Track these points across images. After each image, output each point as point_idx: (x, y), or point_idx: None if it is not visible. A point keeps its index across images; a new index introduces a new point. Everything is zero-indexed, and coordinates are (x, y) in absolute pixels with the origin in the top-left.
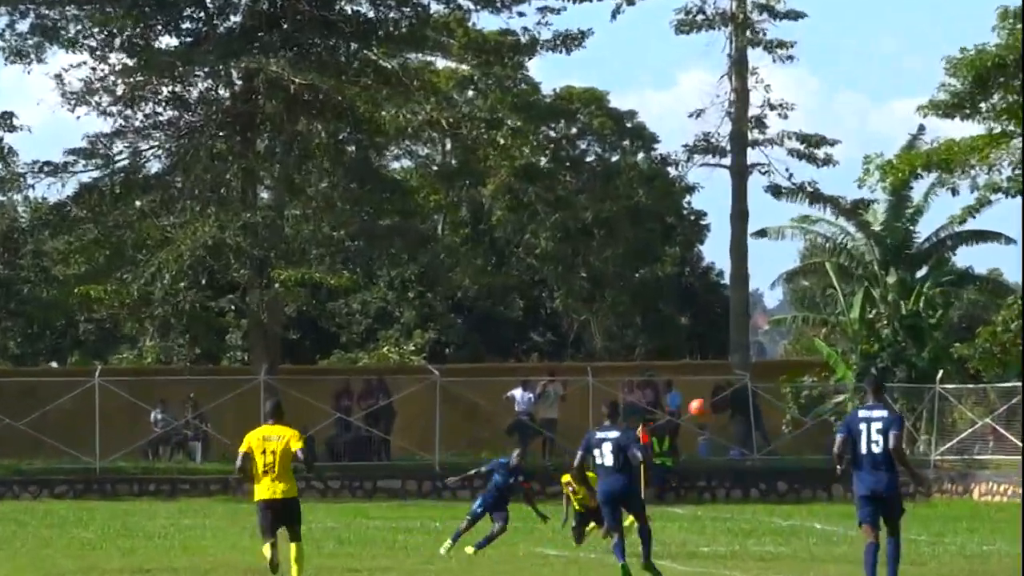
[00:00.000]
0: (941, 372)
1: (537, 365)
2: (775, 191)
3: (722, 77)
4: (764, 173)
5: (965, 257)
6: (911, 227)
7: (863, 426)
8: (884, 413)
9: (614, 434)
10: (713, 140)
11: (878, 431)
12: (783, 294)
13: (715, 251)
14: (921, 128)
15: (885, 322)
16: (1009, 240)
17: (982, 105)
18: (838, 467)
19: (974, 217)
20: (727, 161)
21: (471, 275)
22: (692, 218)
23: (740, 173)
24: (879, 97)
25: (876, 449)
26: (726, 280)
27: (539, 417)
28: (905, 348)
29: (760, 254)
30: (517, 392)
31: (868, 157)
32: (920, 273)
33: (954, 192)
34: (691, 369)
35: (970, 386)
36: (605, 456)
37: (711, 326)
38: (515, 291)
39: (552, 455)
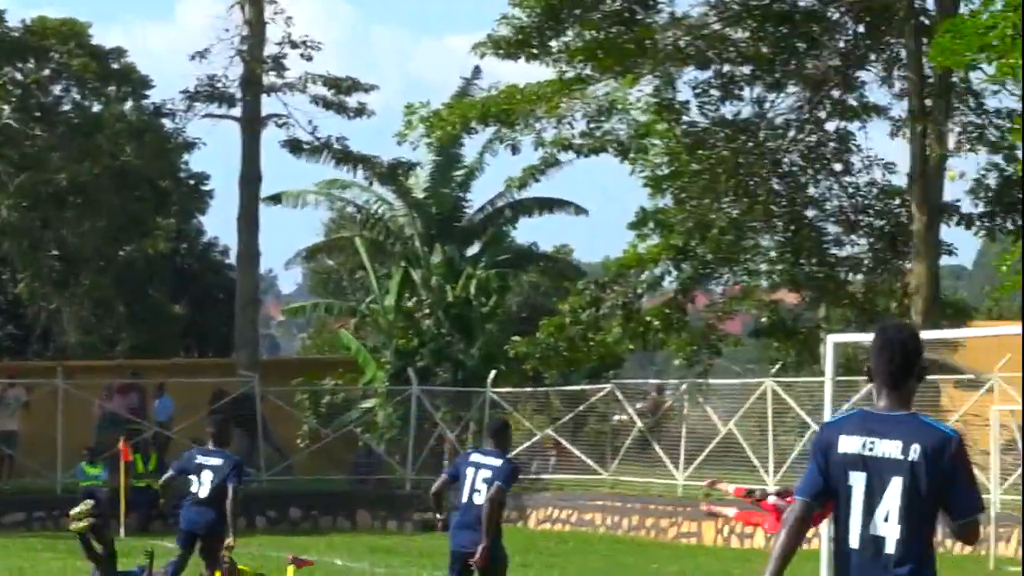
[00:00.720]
0: (494, 373)
1: None
2: (294, 147)
3: (232, 7)
4: (282, 126)
5: (528, 231)
6: (462, 194)
7: (470, 471)
8: (498, 462)
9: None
10: (220, 85)
11: (484, 480)
12: (302, 276)
13: (219, 223)
14: (476, 71)
15: (427, 311)
16: (580, 210)
17: (552, 44)
18: (437, 515)
19: (538, 181)
20: (236, 111)
21: None
22: (191, 182)
23: (252, 126)
24: (426, 31)
25: (477, 500)
26: (232, 259)
27: None
28: (451, 343)
29: (275, 226)
30: None
31: (410, 106)
32: (472, 251)
33: (514, 150)
34: (187, 369)
35: (529, 390)
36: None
37: (212, 316)
38: None
39: (11, 476)
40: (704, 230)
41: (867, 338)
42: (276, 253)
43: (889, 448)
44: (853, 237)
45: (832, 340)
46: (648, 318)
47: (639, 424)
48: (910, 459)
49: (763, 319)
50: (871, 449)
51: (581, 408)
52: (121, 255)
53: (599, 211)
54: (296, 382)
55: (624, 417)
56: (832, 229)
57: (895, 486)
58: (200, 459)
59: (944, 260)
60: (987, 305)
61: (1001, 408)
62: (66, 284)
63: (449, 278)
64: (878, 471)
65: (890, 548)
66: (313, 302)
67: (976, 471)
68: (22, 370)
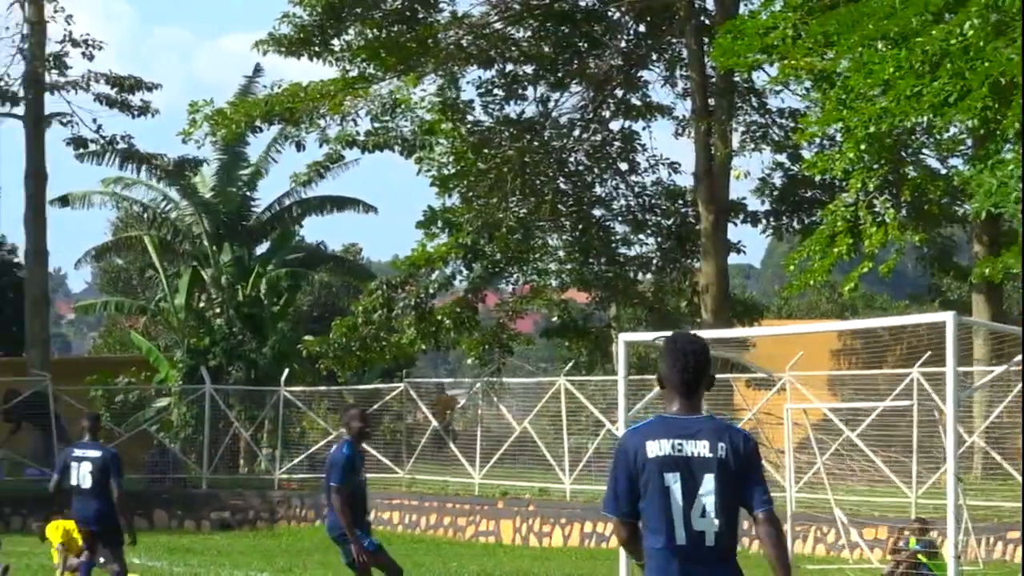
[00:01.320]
0: (287, 371)
1: None
2: (78, 144)
3: (12, 5)
4: (66, 124)
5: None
6: (249, 193)
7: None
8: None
9: (94, 453)
10: (2, 84)
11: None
12: (92, 275)
13: (7, 222)
14: (258, 69)
15: (218, 310)
16: (369, 207)
17: (335, 42)
18: None
19: (323, 177)
20: (19, 110)
21: None
22: None
23: (36, 124)
24: (207, 32)
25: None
26: (20, 258)
27: None
28: (243, 342)
29: (63, 226)
30: None
31: (194, 104)
32: (261, 250)
33: (299, 147)
34: None
35: (323, 388)
36: (83, 477)
37: (2, 315)
38: None
39: None
40: (492, 229)
41: (657, 335)
42: (65, 252)
43: (699, 448)
44: (641, 236)
45: (623, 339)
46: (440, 317)
47: (433, 423)
48: (719, 456)
49: (554, 318)
50: (680, 450)
51: (375, 407)
52: None
53: (388, 210)
54: (89, 380)
55: (419, 416)
56: (620, 228)
57: (708, 483)
58: (77, 452)
59: (733, 259)
60: (777, 304)
61: (794, 407)
62: None
63: (239, 277)
64: (691, 470)
65: (711, 541)
66: (104, 300)
67: (771, 469)
68: None
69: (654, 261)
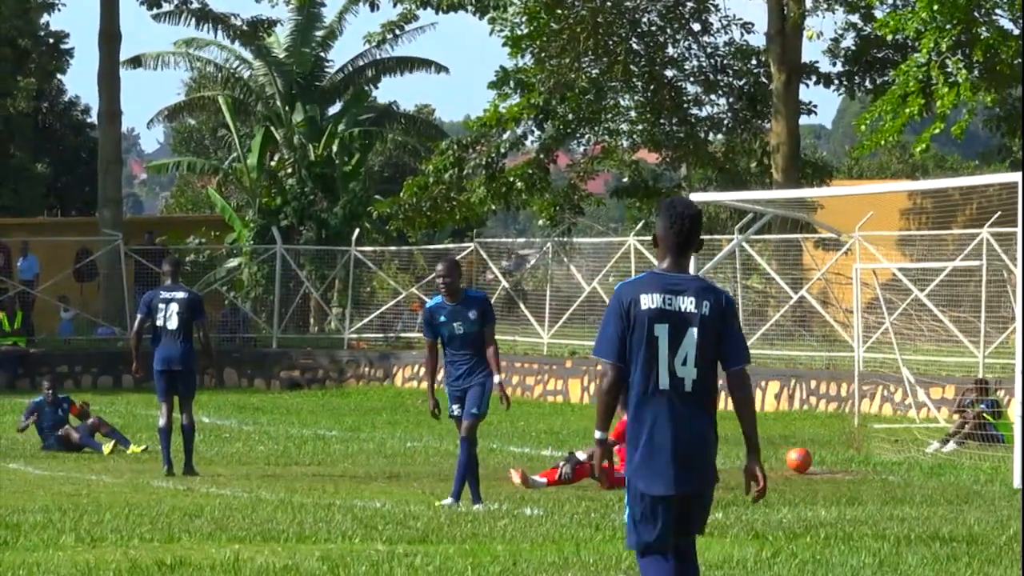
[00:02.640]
0: (357, 231)
1: None
2: (153, 3)
3: None
4: None
5: (389, 90)
6: (322, 54)
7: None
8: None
9: (180, 294)
10: None
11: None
12: (164, 135)
13: (80, 82)
14: None
15: (290, 170)
16: (442, 68)
17: None
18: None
19: (397, 37)
20: None
21: None
22: (51, 41)
23: None
24: None
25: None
26: (94, 118)
27: None
28: (314, 202)
29: (136, 86)
30: None
31: None
32: (333, 110)
33: (373, 6)
34: (51, 228)
35: (393, 248)
36: (170, 318)
37: (75, 175)
38: None
39: None
40: (564, 89)
41: (729, 197)
42: (138, 112)
43: (685, 303)
44: (712, 97)
45: (694, 199)
46: (511, 178)
47: (504, 283)
48: (702, 312)
49: (625, 179)
50: (670, 304)
51: (439, 268)
52: None
53: (460, 71)
54: (160, 240)
55: (489, 276)
56: (691, 89)
57: (691, 335)
58: (164, 294)
59: (804, 119)
60: (847, 164)
61: (863, 267)
62: None
63: (311, 137)
64: (677, 323)
65: (688, 387)
66: (176, 160)
67: (839, 329)
68: None
69: (725, 121)
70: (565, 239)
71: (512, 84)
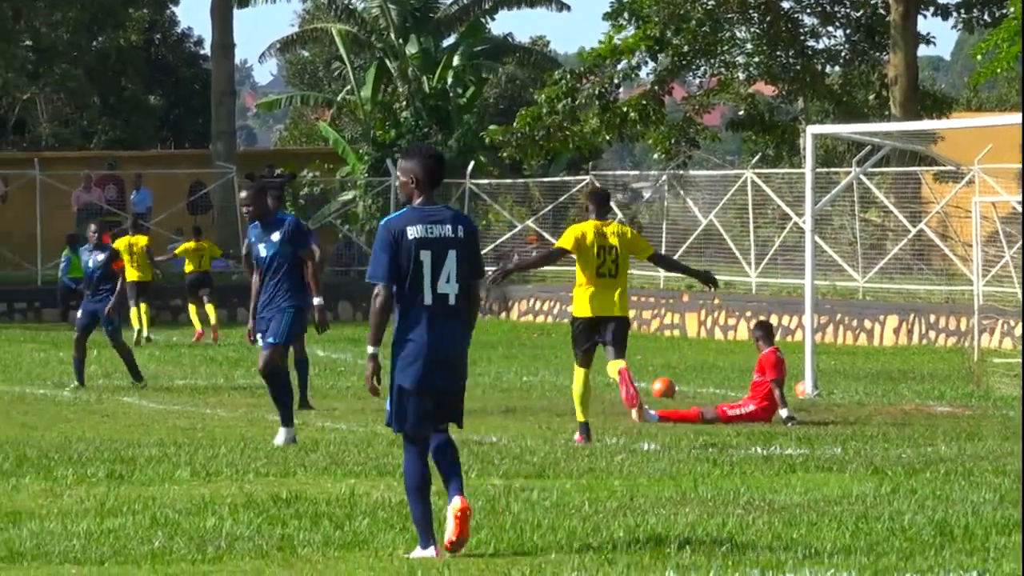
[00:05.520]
0: (472, 163)
1: None
2: None
3: None
4: None
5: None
6: None
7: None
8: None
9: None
10: None
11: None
12: (277, 68)
13: (193, 15)
14: None
15: (404, 102)
16: (563, 5)
17: None
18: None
19: None
20: None
21: None
22: None
23: None
24: None
25: None
26: (207, 50)
27: None
28: (429, 134)
29: (249, 18)
30: None
31: None
32: (448, 42)
33: None
34: (165, 161)
35: (508, 181)
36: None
37: (188, 108)
38: None
39: None
40: (680, 21)
41: (846, 129)
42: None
43: (444, 231)
44: (830, 28)
45: (811, 131)
46: (625, 109)
47: (619, 215)
48: (459, 236)
49: (741, 111)
50: (432, 232)
51: (561, 199)
52: (94, 46)
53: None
54: (279, 172)
55: None
56: (808, 20)
57: (451, 257)
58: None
59: (922, 51)
60: (967, 96)
61: (982, 200)
62: (38, 75)
63: (425, 69)
64: (439, 248)
65: (452, 300)
66: (289, 94)
67: (958, 263)
68: None
69: (842, 53)
70: (681, 172)
71: (627, 15)
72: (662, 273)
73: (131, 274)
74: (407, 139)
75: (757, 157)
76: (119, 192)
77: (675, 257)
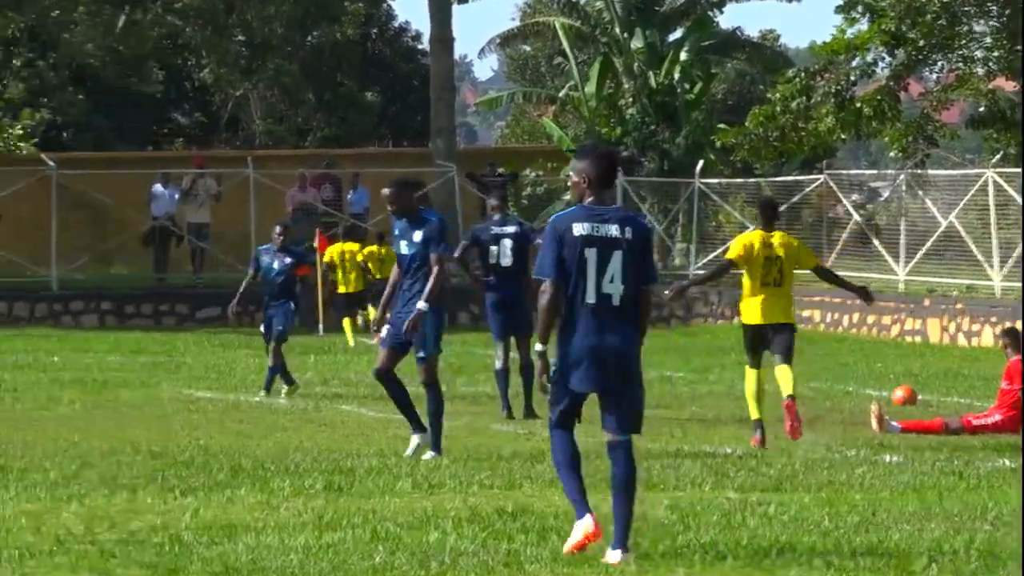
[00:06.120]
0: (701, 163)
1: (182, 154)
2: None
3: None
4: None
5: (733, 16)
6: None
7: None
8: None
9: (511, 228)
10: None
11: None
12: (498, 63)
13: (412, 9)
14: None
15: (630, 99)
16: None
17: None
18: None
19: None
20: None
21: (95, 35)
22: None
23: None
24: None
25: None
26: (425, 45)
27: (186, 220)
28: (656, 132)
29: (469, 12)
30: (157, 188)
31: None
32: (674, 36)
33: None
34: (382, 159)
35: (739, 181)
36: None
37: (406, 104)
38: (151, 58)
39: (204, 268)
40: (916, 14)
41: None
42: (471, 39)
43: (611, 230)
44: None
45: None
46: (860, 106)
47: (856, 217)
48: (626, 237)
49: (981, 108)
50: (598, 231)
51: (794, 200)
52: (309, 41)
53: None
54: (501, 171)
55: (840, 209)
56: None
57: (617, 258)
58: (495, 229)
59: None
60: None
61: None
62: (251, 70)
63: (651, 64)
64: (604, 247)
65: (616, 301)
66: (511, 91)
67: None
68: (211, 160)
69: None
70: (919, 171)
71: (861, 8)
72: (901, 276)
73: (342, 286)
74: (633, 136)
75: (999, 156)
76: (336, 192)
77: (916, 259)
